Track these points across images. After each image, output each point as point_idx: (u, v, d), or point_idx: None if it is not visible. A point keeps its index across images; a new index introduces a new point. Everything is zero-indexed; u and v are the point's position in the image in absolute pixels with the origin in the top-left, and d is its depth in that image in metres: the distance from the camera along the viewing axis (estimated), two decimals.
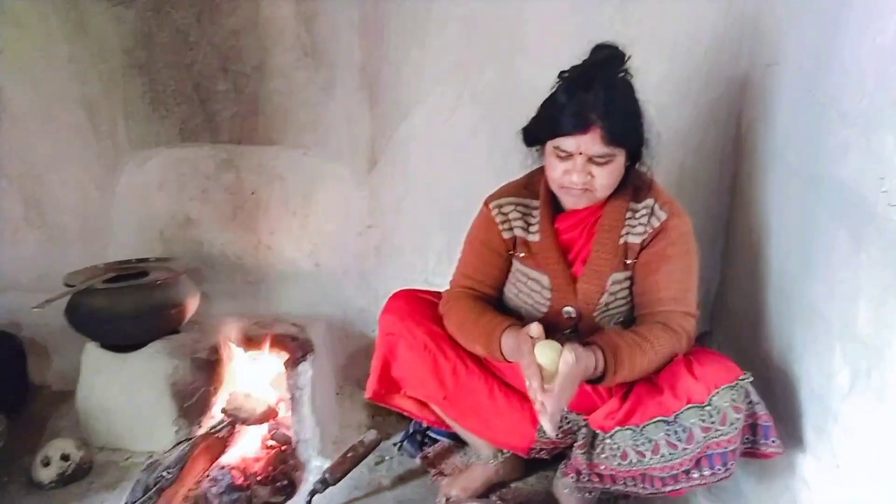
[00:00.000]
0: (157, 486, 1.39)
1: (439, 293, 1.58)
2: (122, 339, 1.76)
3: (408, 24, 1.91)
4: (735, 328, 1.80)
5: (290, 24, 1.93)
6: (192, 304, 1.87)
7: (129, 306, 1.71)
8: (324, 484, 1.53)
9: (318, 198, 2.06)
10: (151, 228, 2.09)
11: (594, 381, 1.29)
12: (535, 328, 1.26)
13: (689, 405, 1.27)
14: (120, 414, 1.75)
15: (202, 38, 1.95)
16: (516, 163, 1.59)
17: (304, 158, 2.03)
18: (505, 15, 1.87)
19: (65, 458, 1.61)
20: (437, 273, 2.05)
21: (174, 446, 1.59)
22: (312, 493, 1.51)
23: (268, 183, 2.05)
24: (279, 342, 1.81)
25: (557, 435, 1.48)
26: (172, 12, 1.93)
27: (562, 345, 1.22)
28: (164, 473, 1.43)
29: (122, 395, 1.74)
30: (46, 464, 1.60)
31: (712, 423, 1.26)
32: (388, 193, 2.04)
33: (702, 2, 1.81)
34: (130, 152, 2.05)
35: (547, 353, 1.23)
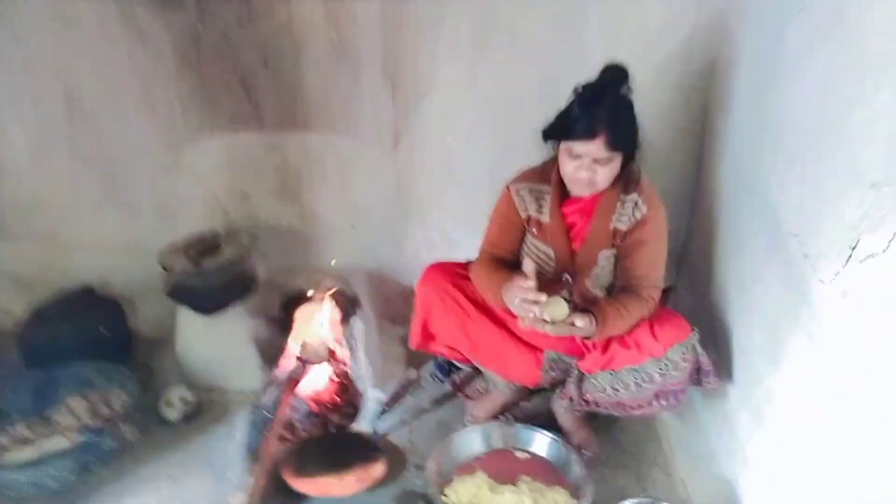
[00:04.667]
0: (264, 423, 1.90)
1: (461, 263, 2.00)
2: (211, 308, 2.21)
3: (424, 21, 2.20)
4: (694, 276, 2.25)
5: (320, 24, 2.22)
6: (261, 271, 2.31)
7: (216, 282, 2.15)
8: (383, 412, 2.05)
9: (352, 172, 2.44)
10: (213, 203, 2.49)
11: (587, 337, 1.75)
12: (529, 264, 1.67)
13: (651, 358, 1.75)
14: (215, 362, 2.24)
15: (244, 38, 2.24)
16: (517, 136, 1.97)
17: (338, 140, 2.39)
18: (505, 13, 2.16)
19: (183, 400, 2.11)
20: (454, 229, 2.48)
21: (266, 388, 2.09)
22: (376, 419, 2.04)
23: (309, 162, 2.43)
24: (335, 298, 2.27)
25: (553, 375, 1.99)
26: (216, 17, 2.21)
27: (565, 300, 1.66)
28: (267, 413, 1.94)
29: (215, 348, 2.23)
30: (170, 405, 2.10)
31: (667, 370, 1.75)
32: (411, 166, 2.43)
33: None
34: (188, 139, 2.40)
35: (554, 307, 1.63)
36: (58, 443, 1.88)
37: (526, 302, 1.64)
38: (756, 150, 1.75)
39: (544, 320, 1.63)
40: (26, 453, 1.88)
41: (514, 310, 1.70)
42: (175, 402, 2.11)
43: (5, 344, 2.36)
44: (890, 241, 1.10)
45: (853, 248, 1.22)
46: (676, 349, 1.74)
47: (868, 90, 1.20)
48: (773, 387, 1.57)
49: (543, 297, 1.63)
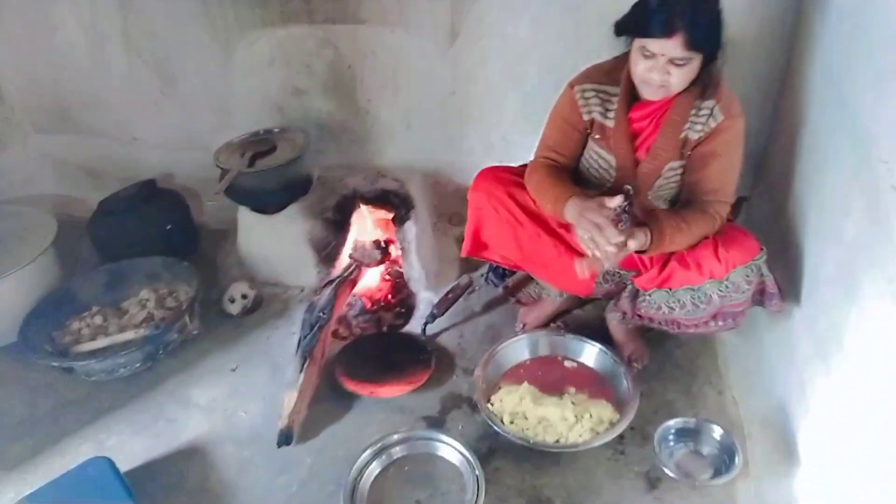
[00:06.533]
0: (318, 323, 1.96)
1: (514, 168, 1.91)
2: (268, 207, 2.23)
3: None
4: (772, 186, 2.09)
5: None
6: (315, 171, 2.29)
7: (272, 184, 2.16)
8: (432, 317, 2.07)
9: (406, 69, 2.32)
10: (267, 98, 2.44)
11: (642, 251, 1.67)
12: (616, 199, 1.54)
13: (711, 279, 1.67)
14: (273, 259, 2.29)
15: None
16: (586, 33, 1.84)
17: (392, 35, 2.25)
18: None
19: (244, 296, 2.19)
20: (514, 131, 2.36)
21: (321, 287, 2.13)
22: (425, 324, 2.06)
23: (362, 58, 2.31)
24: (388, 201, 2.25)
25: (607, 287, 1.94)
26: None
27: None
28: (321, 314, 1.99)
29: (273, 246, 2.27)
30: (232, 301, 2.19)
31: (728, 292, 1.67)
32: (468, 64, 2.28)
33: None
34: (240, 34, 2.33)
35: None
36: (126, 336, 2.00)
37: (598, 239, 1.53)
38: (850, 62, 1.54)
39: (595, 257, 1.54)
40: (98, 342, 2.01)
41: (581, 241, 1.59)
42: (237, 297, 2.19)
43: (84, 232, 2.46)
44: None
45: None
46: (739, 271, 1.65)
47: None
48: (839, 322, 1.46)
49: (622, 239, 1.52)
